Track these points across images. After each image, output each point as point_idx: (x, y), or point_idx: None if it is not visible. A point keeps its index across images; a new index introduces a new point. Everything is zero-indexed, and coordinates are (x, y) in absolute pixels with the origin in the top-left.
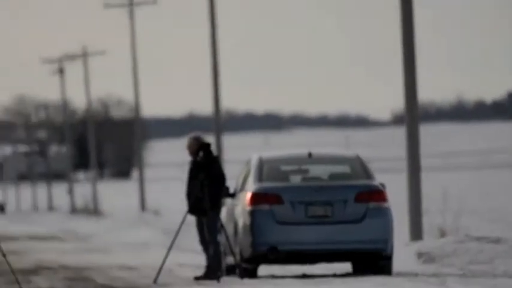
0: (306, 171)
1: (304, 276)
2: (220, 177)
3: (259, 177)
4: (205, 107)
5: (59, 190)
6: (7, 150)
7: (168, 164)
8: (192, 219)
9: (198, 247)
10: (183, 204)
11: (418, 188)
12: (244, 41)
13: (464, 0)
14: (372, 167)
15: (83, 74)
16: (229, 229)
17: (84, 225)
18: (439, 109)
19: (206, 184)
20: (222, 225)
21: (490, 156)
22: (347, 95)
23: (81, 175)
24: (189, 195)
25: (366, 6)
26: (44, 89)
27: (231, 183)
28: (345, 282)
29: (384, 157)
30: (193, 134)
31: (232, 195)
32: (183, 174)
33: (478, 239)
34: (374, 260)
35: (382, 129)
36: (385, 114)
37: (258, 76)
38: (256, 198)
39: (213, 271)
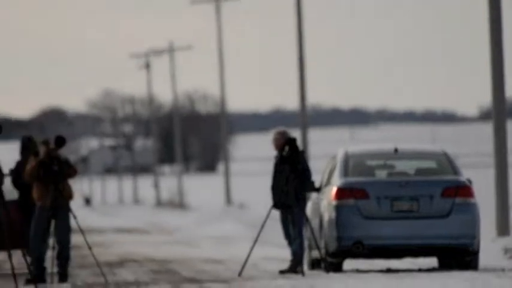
0: (392, 166)
1: (389, 270)
2: (306, 172)
3: (345, 172)
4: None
5: (145, 183)
6: (93, 143)
7: (253, 158)
8: (277, 213)
9: (283, 241)
10: (268, 198)
11: (505, 183)
12: (331, 36)
13: None
14: (459, 162)
15: (169, 69)
16: (315, 223)
17: (169, 218)
18: None
19: (291, 179)
20: (307, 220)
21: None
22: (434, 91)
23: (166, 169)
24: (274, 190)
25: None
26: (131, 84)
27: (317, 178)
28: (431, 278)
29: (470, 153)
30: (279, 129)
31: (318, 190)
32: (268, 169)
33: None
34: (460, 255)
35: (469, 125)
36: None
37: (344, 71)
38: (342, 192)
39: (297, 265)
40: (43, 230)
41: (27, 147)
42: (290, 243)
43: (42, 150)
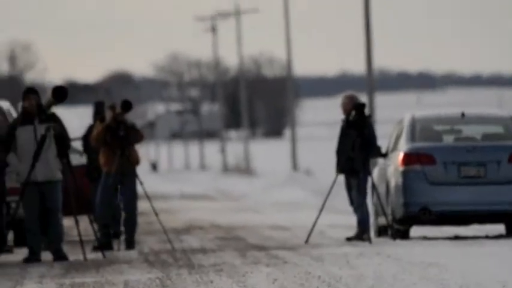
0: (459, 131)
1: (456, 237)
2: (372, 138)
3: (412, 137)
4: (357, 66)
5: (211, 149)
6: (160, 108)
7: (319, 123)
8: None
9: (349, 208)
10: (333, 163)
11: None
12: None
13: None
14: None
15: (235, 32)
16: (381, 189)
17: (235, 184)
18: None
19: (357, 144)
20: (373, 186)
21: None
22: (501, 54)
23: (233, 134)
24: (339, 154)
25: None
26: (197, 47)
27: (383, 143)
28: (498, 244)
29: None
30: (348, 93)
31: (384, 155)
32: (335, 134)
33: None
34: None
35: None
36: None
37: (411, 35)
38: (409, 158)
39: (364, 232)
40: (109, 196)
41: (100, 112)
42: (355, 210)
43: (108, 115)
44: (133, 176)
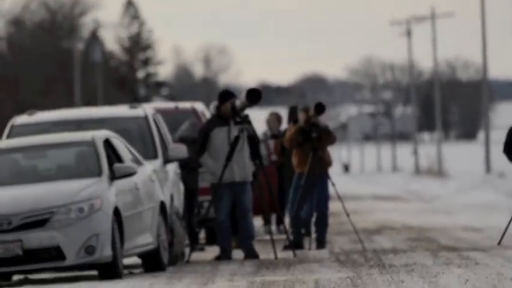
0: None
1: None
2: None
3: None
4: None
5: (403, 151)
6: (352, 110)
7: None
8: None
9: None
10: None
11: None
12: None
13: None
14: None
15: (430, 36)
16: None
17: (428, 186)
18: None
19: None
20: None
21: None
22: None
23: (425, 136)
24: None
25: None
26: (391, 50)
27: None
28: None
29: None
30: None
31: None
32: None
33: None
34: None
35: None
36: None
37: None
38: None
39: None
40: (302, 197)
41: (294, 116)
42: None
43: (301, 117)
44: (326, 177)
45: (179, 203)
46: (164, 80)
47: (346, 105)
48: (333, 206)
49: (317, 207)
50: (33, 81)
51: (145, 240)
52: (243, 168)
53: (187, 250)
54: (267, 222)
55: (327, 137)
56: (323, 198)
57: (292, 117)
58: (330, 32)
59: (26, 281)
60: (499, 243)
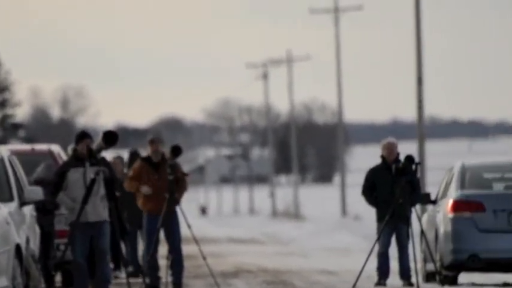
0: (510, 179)
1: (505, 284)
2: (418, 185)
3: (462, 185)
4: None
5: (261, 193)
6: (210, 153)
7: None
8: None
9: (396, 253)
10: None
11: None
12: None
13: None
14: None
15: (286, 79)
16: (430, 236)
17: (284, 229)
18: None
19: (407, 191)
20: (422, 232)
21: None
22: None
23: (282, 179)
24: (386, 201)
25: None
26: (248, 93)
27: (434, 190)
28: None
29: None
30: (390, 139)
31: (434, 202)
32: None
33: None
34: None
35: None
36: None
37: (463, 82)
38: (458, 205)
39: (409, 277)
40: (157, 239)
41: (134, 160)
42: (403, 256)
43: (149, 148)
44: (178, 218)
45: (35, 245)
46: (21, 121)
47: (204, 148)
48: (190, 248)
49: (172, 250)
50: None
51: (0, 283)
52: (97, 208)
53: None
54: (117, 265)
55: (181, 183)
56: (177, 241)
57: (133, 162)
58: (186, 74)
59: None
60: (354, 286)
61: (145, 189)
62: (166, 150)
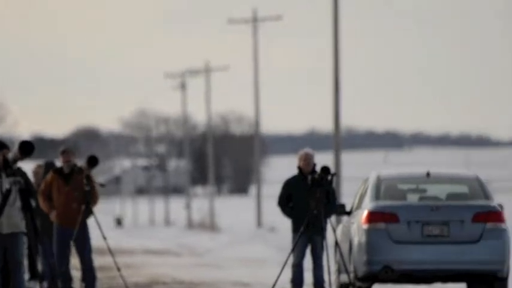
0: (424, 190)
1: None
2: (334, 195)
3: (376, 196)
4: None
5: (177, 204)
6: (126, 163)
7: None
8: None
9: (310, 265)
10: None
11: None
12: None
13: None
14: (492, 187)
15: (204, 89)
16: (345, 247)
17: (200, 240)
18: None
19: (322, 202)
20: (336, 243)
21: None
22: (468, 115)
23: (199, 190)
24: (301, 211)
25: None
26: (165, 103)
27: (349, 201)
28: None
29: (504, 177)
30: (308, 150)
31: (349, 213)
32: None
33: None
34: (490, 281)
35: (504, 149)
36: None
37: (379, 94)
38: (372, 216)
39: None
40: (67, 250)
41: (48, 172)
42: (318, 267)
43: (61, 160)
44: (88, 229)
45: None
46: None
47: (120, 158)
48: (104, 260)
49: (83, 262)
50: None
51: None
52: (13, 219)
53: None
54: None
55: (94, 195)
56: (87, 252)
57: (47, 173)
58: (104, 84)
59: None
60: None
61: (52, 216)
62: (81, 161)
